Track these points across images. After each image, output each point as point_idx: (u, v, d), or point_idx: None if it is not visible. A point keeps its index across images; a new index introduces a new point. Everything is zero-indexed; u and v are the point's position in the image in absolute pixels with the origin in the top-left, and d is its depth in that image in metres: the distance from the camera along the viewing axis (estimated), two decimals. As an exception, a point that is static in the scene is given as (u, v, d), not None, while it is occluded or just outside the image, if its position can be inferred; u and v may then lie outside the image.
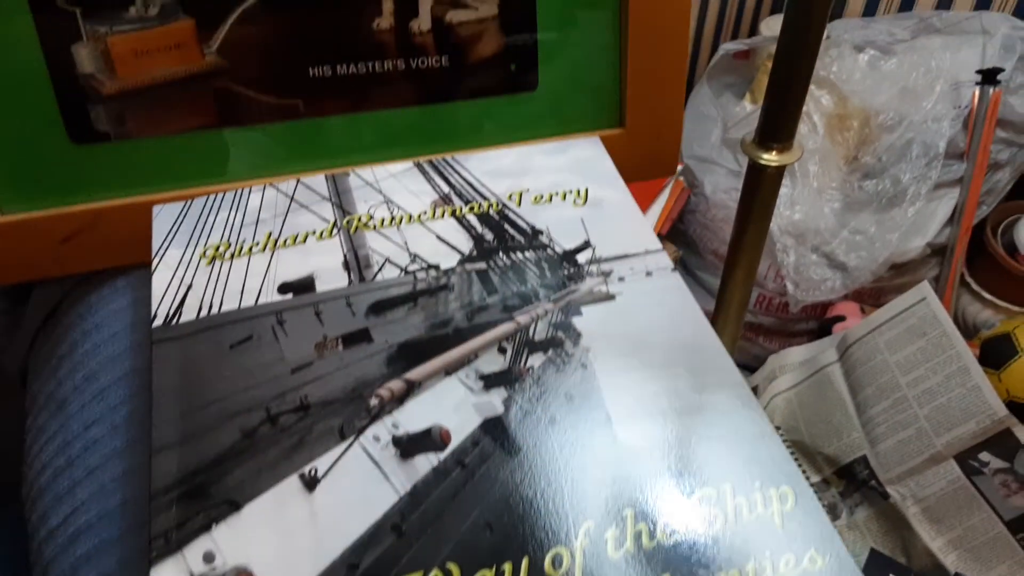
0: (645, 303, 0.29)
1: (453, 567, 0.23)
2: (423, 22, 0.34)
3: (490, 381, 0.27)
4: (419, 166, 0.35)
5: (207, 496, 0.24)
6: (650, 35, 0.35)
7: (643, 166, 0.37)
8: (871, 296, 0.91)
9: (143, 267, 0.35)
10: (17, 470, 0.42)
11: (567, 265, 0.31)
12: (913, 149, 0.82)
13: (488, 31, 0.35)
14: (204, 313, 0.30)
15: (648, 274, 0.31)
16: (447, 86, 0.35)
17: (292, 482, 0.25)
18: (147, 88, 0.32)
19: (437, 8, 0.34)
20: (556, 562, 0.23)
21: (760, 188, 0.52)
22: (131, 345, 0.33)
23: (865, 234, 0.83)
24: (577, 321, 0.29)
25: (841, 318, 0.88)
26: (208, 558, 0.23)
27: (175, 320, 0.29)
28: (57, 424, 0.33)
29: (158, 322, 0.29)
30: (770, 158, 0.51)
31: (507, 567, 0.23)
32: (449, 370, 0.28)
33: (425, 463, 0.25)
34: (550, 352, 0.28)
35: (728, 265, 0.56)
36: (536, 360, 0.28)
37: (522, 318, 0.29)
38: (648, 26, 0.35)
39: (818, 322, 0.92)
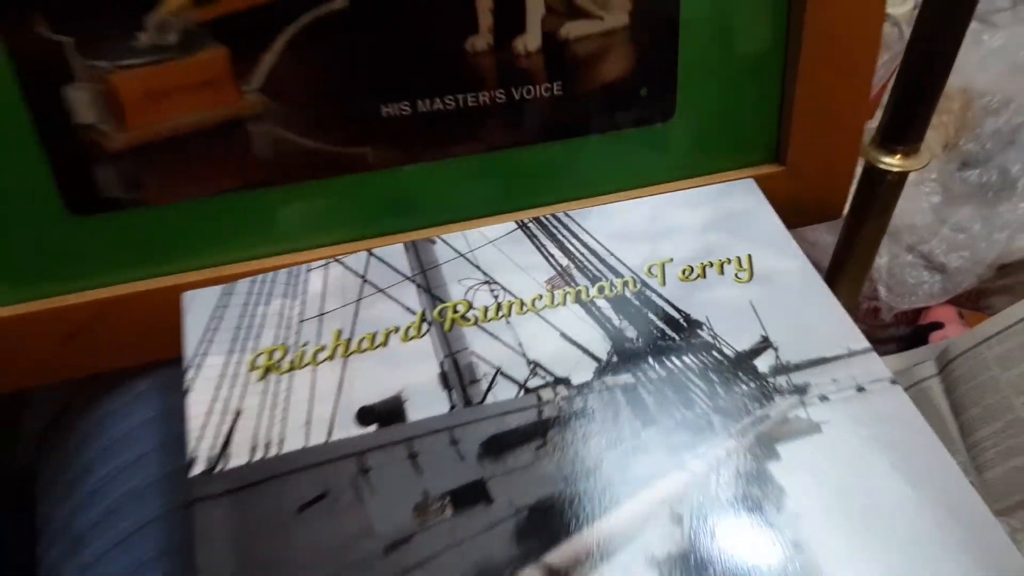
0: (865, 438, 0.21)
1: None
2: (531, 39, 0.25)
3: (668, 570, 0.19)
4: (524, 227, 0.27)
5: None
6: (833, 40, 0.27)
7: (802, 211, 0.29)
8: (970, 299, 0.82)
9: (172, 365, 0.27)
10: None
11: (744, 376, 0.23)
12: (1023, 135, 0.72)
13: (614, 47, 0.26)
14: (259, 456, 0.22)
15: (860, 389, 0.22)
16: (559, 121, 0.27)
17: None
18: (166, 140, 0.24)
19: (549, 20, 0.25)
20: None
21: (878, 196, 0.44)
22: (160, 477, 0.25)
23: (968, 232, 0.74)
24: (775, 469, 0.21)
25: (939, 325, 0.79)
26: None
27: (220, 466, 0.22)
28: (76, 565, 0.26)
29: (198, 469, 0.22)
30: (892, 162, 0.42)
31: None
32: (607, 551, 0.20)
33: None
34: (745, 520, 0.20)
35: (830, 279, 0.48)
36: (726, 536, 0.20)
37: (697, 465, 0.21)
38: (831, 27, 0.26)
39: (911, 328, 0.83)
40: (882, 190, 0.43)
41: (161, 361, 0.27)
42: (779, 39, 0.27)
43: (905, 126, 0.40)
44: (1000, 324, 0.70)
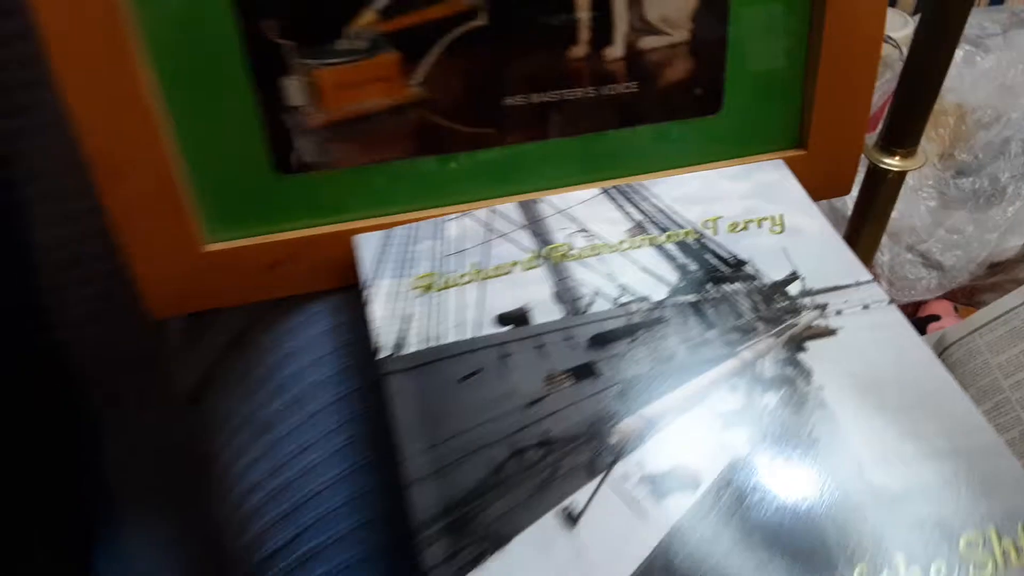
0: (869, 339, 0.29)
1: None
2: (617, 49, 0.34)
3: (728, 420, 0.27)
4: (607, 192, 0.35)
5: (471, 530, 0.25)
6: (843, 54, 0.35)
7: (819, 187, 0.37)
8: (964, 295, 0.90)
9: (338, 293, 0.36)
10: (179, 483, 0.43)
11: (779, 297, 0.31)
12: (1011, 147, 0.81)
13: (678, 56, 0.35)
14: (428, 345, 0.30)
15: (865, 307, 0.31)
16: (634, 111, 0.35)
17: (551, 519, 0.25)
18: (351, 120, 0.33)
19: (630, 35, 0.34)
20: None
21: (879, 193, 0.52)
22: (338, 371, 0.33)
23: (962, 233, 0.82)
24: (803, 357, 0.29)
25: (936, 317, 0.87)
26: (484, 598, 0.24)
27: (403, 351, 0.30)
28: (263, 446, 0.34)
29: (385, 352, 0.30)
30: (892, 163, 0.50)
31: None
32: (684, 408, 0.28)
33: (680, 502, 0.25)
34: (783, 390, 0.28)
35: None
36: (770, 399, 0.28)
37: (747, 354, 0.29)
38: (842, 45, 0.35)
39: (911, 320, 0.91)
40: (884, 188, 0.52)
41: (331, 290, 0.35)
42: (802, 54, 0.36)
43: (903, 131, 0.48)
44: (990, 315, 0.79)
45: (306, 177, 0.33)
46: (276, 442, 0.34)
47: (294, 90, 0.32)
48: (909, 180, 0.86)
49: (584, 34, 0.33)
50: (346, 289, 0.35)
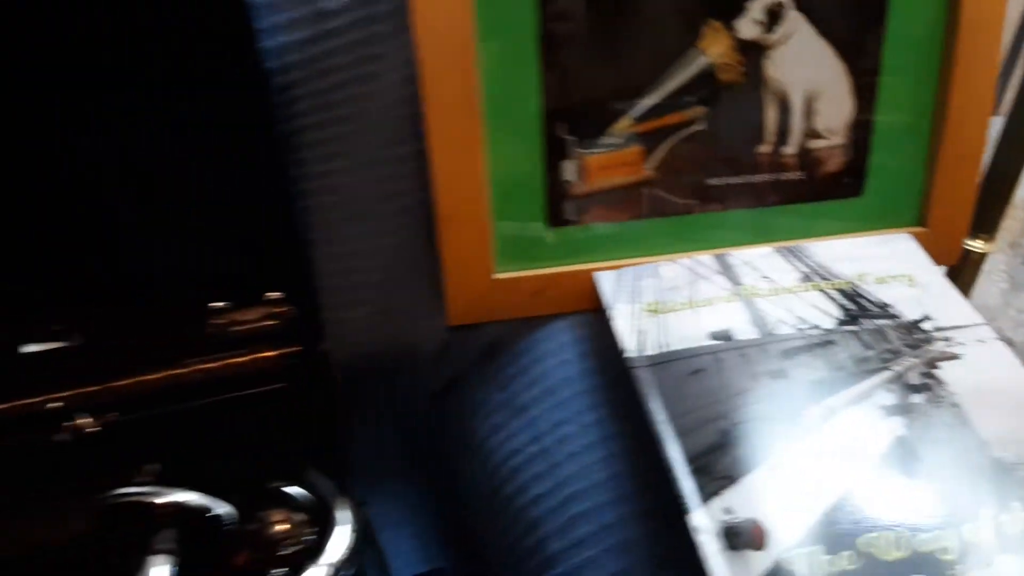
0: (984, 361, 0.41)
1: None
2: (791, 148, 0.47)
3: (889, 411, 0.39)
4: (778, 251, 0.48)
5: (710, 472, 0.37)
6: (957, 160, 0.48)
7: (935, 256, 0.49)
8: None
9: (579, 314, 0.48)
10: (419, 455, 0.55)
11: (916, 331, 0.43)
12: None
13: (834, 155, 0.48)
14: (662, 350, 0.42)
15: (981, 341, 0.42)
16: (800, 192, 0.48)
17: (767, 467, 0.37)
18: (602, 191, 0.46)
19: (802, 139, 0.47)
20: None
21: (965, 269, 0.63)
22: (584, 369, 0.46)
23: (1033, 311, 0.92)
24: (937, 372, 0.41)
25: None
26: (727, 511, 0.35)
27: (643, 352, 0.42)
28: (520, 423, 0.46)
29: (631, 353, 0.42)
30: (977, 245, 0.62)
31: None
32: (854, 402, 0.39)
33: (861, 464, 0.37)
34: (925, 393, 0.40)
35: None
36: (917, 398, 0.39)
37: (897, 368, 0.41)
38: (956, 153, 0.47)
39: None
40: (969, 265, 0.63)
41: (573, 312, 0.48)
42: (925, 158, 0.48)
43: (985, 220, 0.60)
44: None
45: (566, 229, 0.46)
46: (533, 420, 0.46)
47: (569, 170, 0.45)
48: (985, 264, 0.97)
49: (770, 137, 0.47)
50: (583, 312, 0.48)
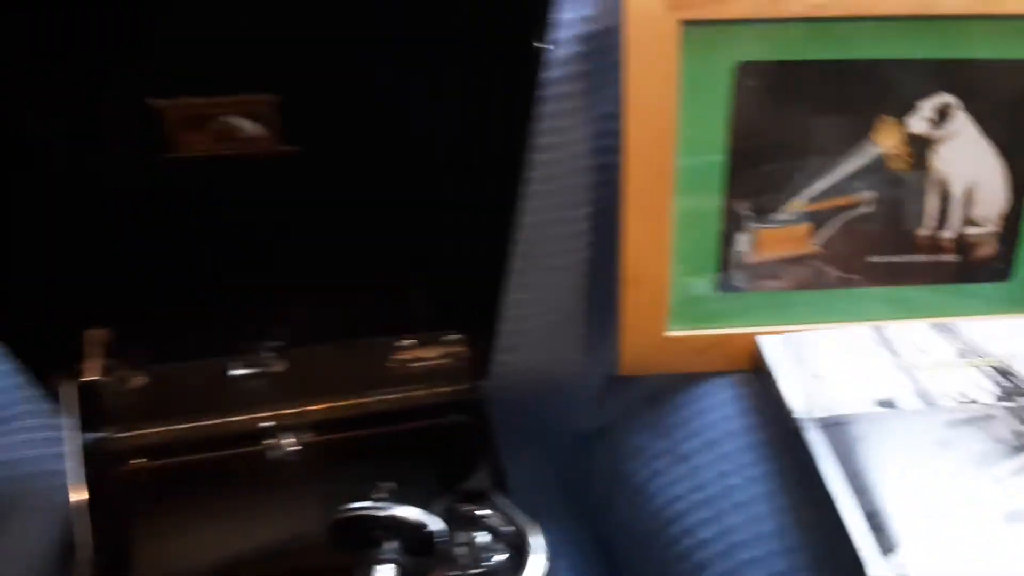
0: None
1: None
2: (949, 232, 0.51)
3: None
4: (933, 327, 0.52)
5: (885, 530, 0.40)
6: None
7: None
8: None
9: (739, 373, 0.52)
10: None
11: (1071, 410, 0.46)
12: None
13: (986, 241, 0.51)
14: (830, 413, 0.46)
15: None
16: (953, 273, 0.52)
17: (938, 530, 0.40)
18: (769, 262, 0.50)
19: (959, 225, 0.51)
20: None
21: None
22: (746, 426, 0.49)
23: None
24: (1096, 451, 0.43)
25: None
26: (900, 568, 0.39)
27: (810, 414, 0.46)
28: (683, 471, 0.50)
29: (799, 414, 0.46)
30: None
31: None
32: (1020, 471, 0.43)
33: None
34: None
35: None
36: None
37: (1054, 440, 0.44)
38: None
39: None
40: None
41: (734, 370, 0.52)
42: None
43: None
44: None
45: (735, 295, 0.51)
46: (696, 469, 0.50)
47: (743, 241, 0.50)
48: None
49: (929, 222, 0.51)
50: (742, 371, 0.52)
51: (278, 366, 0.55)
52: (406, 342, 0.57)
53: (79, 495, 0.47)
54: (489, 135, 0.39)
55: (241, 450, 0.53)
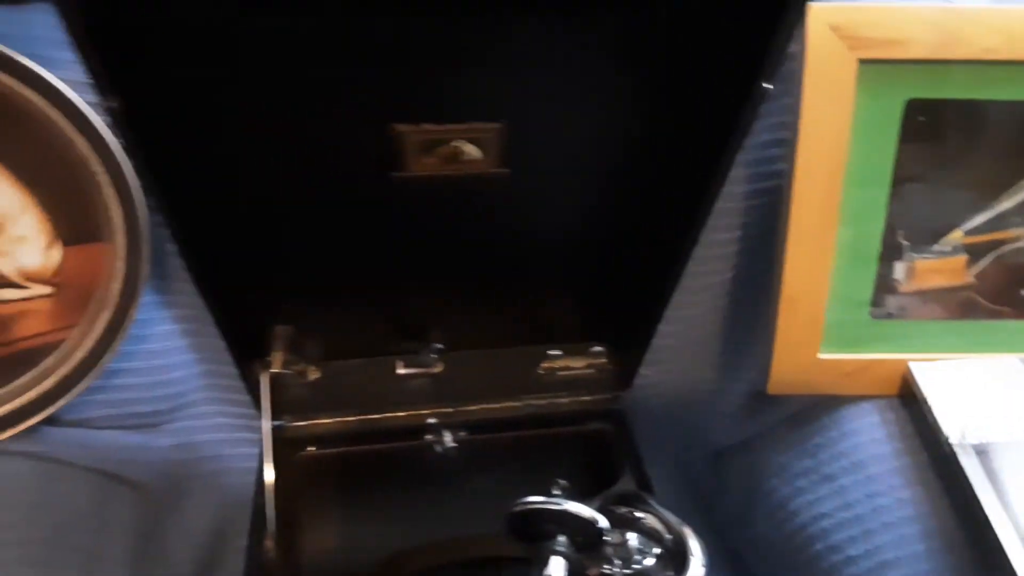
0: None
1: None
2: (1104, 271, 0.52)
3: None
4: (1083, 362, 0.53)
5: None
6: None
7: None
8: None
9: (884, 398, 0.54)
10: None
11: None
12: None
13: None
14: (984, 440, 0.48)
15: None
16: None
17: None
18: (923, 291, 0.52)
19: (1116, 263, 0.52)
20: None
21: None
22: (894, 450, 0.51)
23: None
24: None
25: None
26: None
27: (964, 440, 0.48)
28: (829, 490, 0.52)
29: (953, 440, 0.48)
30: None
31: None
32: None
33: None
34: None
35: None
36: None
37: None
38: None
39: None
40: None
41: (879, 395, 0.54)
42: None
43: None
44: None
45: (887, 322, 0.53)
46: (842, 488, 0.52)
47: (899, 270, 0.52)
48: None
49: (1081, 259, 0.52)
50: (887, 396, 0.54)
51: (439, 367, 0.59)
52: (555, 352, 0.60)
53: (268, 476, 0.52)
54: (688, 166, 0.42)
55: (404, 443, 0.57)
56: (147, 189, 0.45)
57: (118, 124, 0.35)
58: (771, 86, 0.37)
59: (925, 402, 0.51)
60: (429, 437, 0.57)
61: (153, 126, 0.37)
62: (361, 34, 0.34)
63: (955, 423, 0.49)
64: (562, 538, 0.46)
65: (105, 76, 0.33)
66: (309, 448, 0.57)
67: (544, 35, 0.36)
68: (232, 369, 0.59)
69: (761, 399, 0.59)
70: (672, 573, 0.46)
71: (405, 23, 0.34)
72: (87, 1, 0.30)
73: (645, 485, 0.56)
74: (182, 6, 0.32)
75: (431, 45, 0.36)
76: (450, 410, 0.58)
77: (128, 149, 0.44)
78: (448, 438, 0.57)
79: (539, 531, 0.46)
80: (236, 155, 0.40)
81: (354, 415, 0.57)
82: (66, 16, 0.31)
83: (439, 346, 0.58)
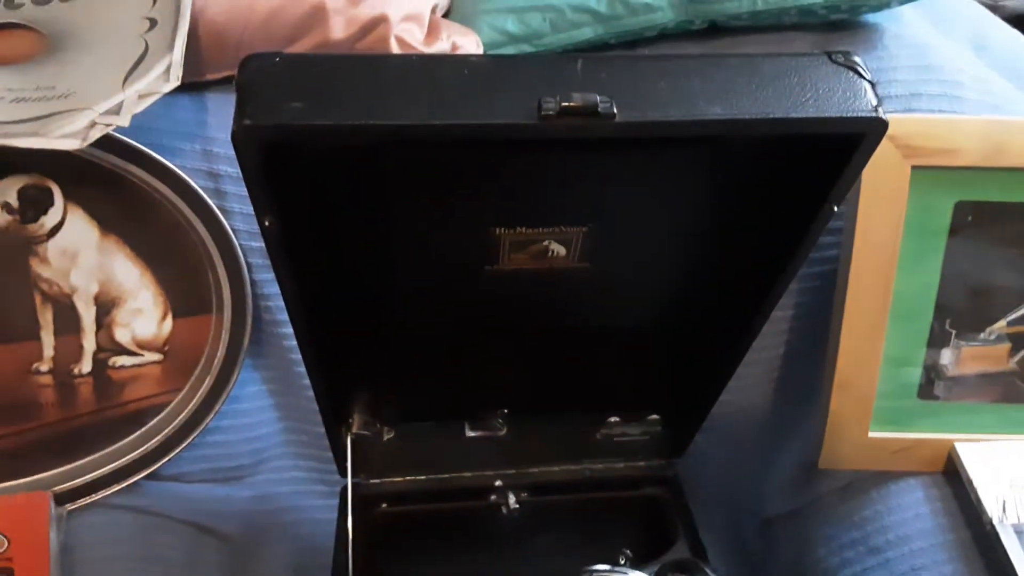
0: None
1: None
2: None
3: None
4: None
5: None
6: None
7: None
8: None
9: (928, 475, 0.57)
10: None
11: None
12: None
13: None
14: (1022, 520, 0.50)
15: None
16: None
17: None
18: (968, 376, 0.55)
19: None
20: None
21: None
22: (938, 525, 0.54)
23: None
24: None
25: None
26: None
27: (1005, 520, 0.50)
28: (875, 562, 0.55)
29: (996, 519, 0.50)
30: None
31: None
32: None
33: None
34: None
35: None
36: None
37: None
38: None
39: None
40: None
41: (923, 472, 0.57)
42: None
43: None
44: None
45: (934, 404, 0.56)
46: (888, 561, 0.54)
47: (946, 356, 0.55)
48: None
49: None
50: (932, 473, 0.56)
51: (504, 431, 0.62)
52: (613, 419, 0.63)
53: (347, 530, 0.55)
54: (755, 274, 0.46)
55: (470, 503, 0.61)
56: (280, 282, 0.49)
57: (268, 237, 0.40)
58: (839, 207, 0.41)
59: (969, 481, 0.53)
60: (494, 498, 0.61)
61: (298, 241, 0.41)
62: (473, 159, 0.39)
63: (996, 502, 0.52)
64: (620, 606, 0.49)
65: (265, 198, 0.37)
66: (383, 505, 0.60)
67: (629, 159, 0.40)
68: (309, 427, 0.63)
69: (810, 470, 0.62)
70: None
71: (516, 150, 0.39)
72: (266, 145, 0.34)
73: (699, 551, 0.59)
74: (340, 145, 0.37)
75: (534, 168, 0.40)
76: (513, 472, 0.62)
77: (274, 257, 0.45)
78: (512, 499, 0.60)
79: (605, 597, 0.50)
80: (364, 259, 0.45)
81: (425, 474, 0.61)
82: (243, 155, 0.35)
83: (505, 411, 0.62)
